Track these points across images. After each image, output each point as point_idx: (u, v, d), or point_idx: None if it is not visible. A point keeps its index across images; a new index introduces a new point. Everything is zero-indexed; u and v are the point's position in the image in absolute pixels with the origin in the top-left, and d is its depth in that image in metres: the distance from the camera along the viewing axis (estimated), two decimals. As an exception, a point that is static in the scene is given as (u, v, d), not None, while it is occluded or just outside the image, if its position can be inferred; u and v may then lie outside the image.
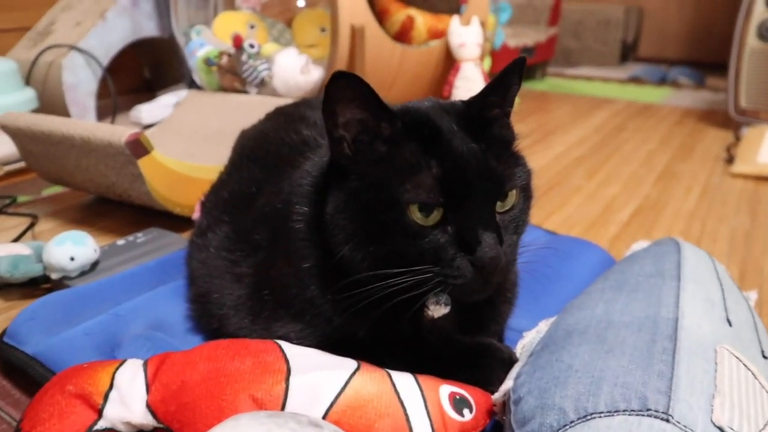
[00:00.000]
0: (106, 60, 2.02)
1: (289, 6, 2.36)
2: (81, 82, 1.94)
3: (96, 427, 0.57)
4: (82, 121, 1.48)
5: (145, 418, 0.58)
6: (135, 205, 1.36)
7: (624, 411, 0.49)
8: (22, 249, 1.03)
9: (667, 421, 0.47)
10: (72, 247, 1.00)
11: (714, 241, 1.27)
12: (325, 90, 0.57)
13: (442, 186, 0.57)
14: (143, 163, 1.15)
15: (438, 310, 0.63)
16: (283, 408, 0.57)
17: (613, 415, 0.49)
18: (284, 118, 0.98)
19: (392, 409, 0.57)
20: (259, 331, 0.71)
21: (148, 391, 0.59)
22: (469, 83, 1.91)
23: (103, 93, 2.06)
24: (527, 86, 3.20)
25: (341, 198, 0.61)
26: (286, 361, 0.62)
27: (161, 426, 0.58)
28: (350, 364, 0.62)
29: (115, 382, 0.60)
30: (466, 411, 0.60)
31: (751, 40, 2.06)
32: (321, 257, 0.66)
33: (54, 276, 1.01)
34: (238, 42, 1.54)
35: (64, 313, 0.86)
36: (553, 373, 0.55)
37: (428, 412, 0.58)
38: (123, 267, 1.05)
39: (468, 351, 0.68)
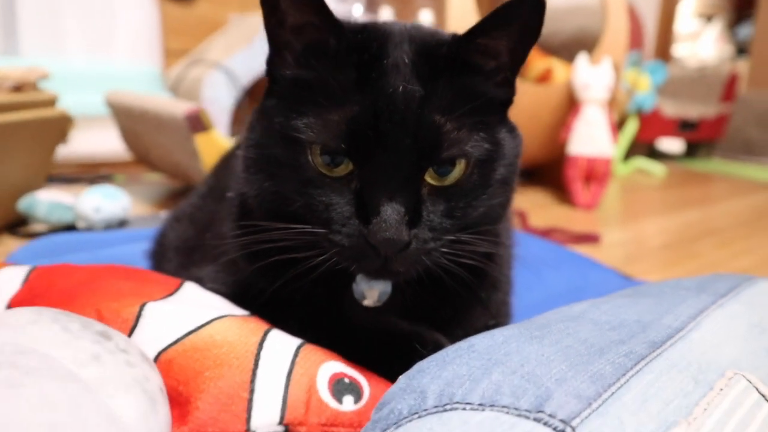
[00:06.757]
0: (246, 81, 2.17)
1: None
2: (218, 97, 2.09)
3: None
4: (155, 96, 1.56)
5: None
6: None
7: (502, 407, 0.30)
8: (65, 197, 1.07)
9: (564, 434, 0.28)
10: (100, 199, 1.01)
11: None
12: None
13: (351, 130, 0.43)
14: (200, 140, 1.16)
15: (371, 294, 0.50)
16: (130, 334, 0.46)
17: (483, 410, 0.30)
18: None
19: (238, 362, 0.43)
20: (182, 273, 0.61)
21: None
22: (590, 128, 1.68)
23: (240, 115, 2.21)
24: (687, 164, 2.82)
25: (256, 116, 0.50)
26: (171, 294, 0.51)
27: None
28: (233, 310, 0.50)
29: (-9, 280, 0.54)
30: (347, 399, 0.44)
31: None
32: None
33: (80, 225, 1.02)
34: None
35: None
36: (446, 354, 0.37)
37: (287, 383, 0.43)
38: (148, 231, 1.03)
39: (398, 339, 0.51)
